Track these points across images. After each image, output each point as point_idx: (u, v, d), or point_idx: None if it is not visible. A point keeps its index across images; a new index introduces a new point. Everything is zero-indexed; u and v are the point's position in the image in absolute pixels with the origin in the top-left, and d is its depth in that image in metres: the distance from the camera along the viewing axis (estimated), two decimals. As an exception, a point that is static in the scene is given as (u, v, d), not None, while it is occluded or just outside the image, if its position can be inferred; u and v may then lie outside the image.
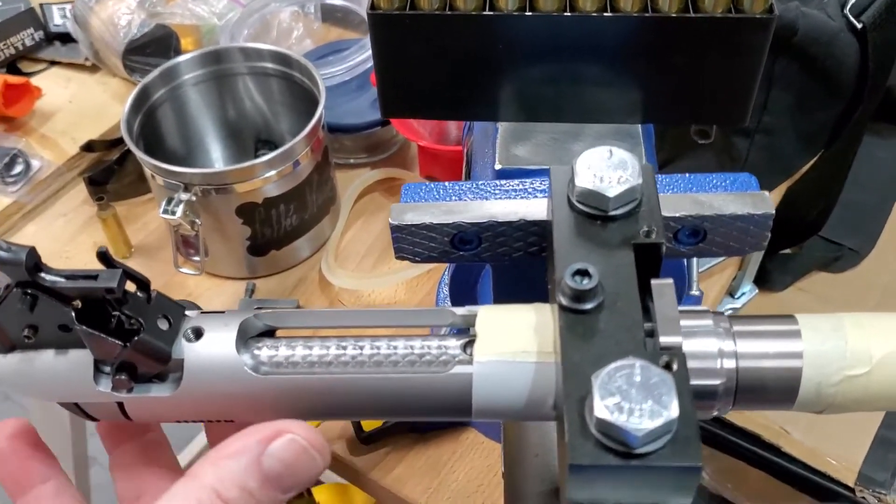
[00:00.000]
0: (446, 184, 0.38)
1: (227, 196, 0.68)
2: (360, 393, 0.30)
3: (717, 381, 0.29)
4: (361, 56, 0.87)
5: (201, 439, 1.22)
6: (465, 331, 0.31)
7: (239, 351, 0.29)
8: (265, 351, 0.30)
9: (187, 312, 0.31)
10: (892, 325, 0.29)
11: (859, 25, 0.66)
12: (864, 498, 0.79)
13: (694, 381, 0.28)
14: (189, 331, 0.30)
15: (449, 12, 0.42)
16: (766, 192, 0.34)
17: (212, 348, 0.29)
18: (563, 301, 0.27)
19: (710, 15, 0.41)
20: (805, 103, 0.73)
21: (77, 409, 0.31)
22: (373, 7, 0.43)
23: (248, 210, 0.70)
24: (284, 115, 0.82)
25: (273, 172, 0.69)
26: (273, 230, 0.73)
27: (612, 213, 0.30)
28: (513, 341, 0.29)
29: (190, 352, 0.29)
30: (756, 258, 0.81)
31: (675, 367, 0.26)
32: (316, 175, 0.74)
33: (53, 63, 0.98)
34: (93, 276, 0.27)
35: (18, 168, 0.84)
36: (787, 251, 0.94)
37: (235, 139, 0.84)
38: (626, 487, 0.24)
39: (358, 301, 0.75)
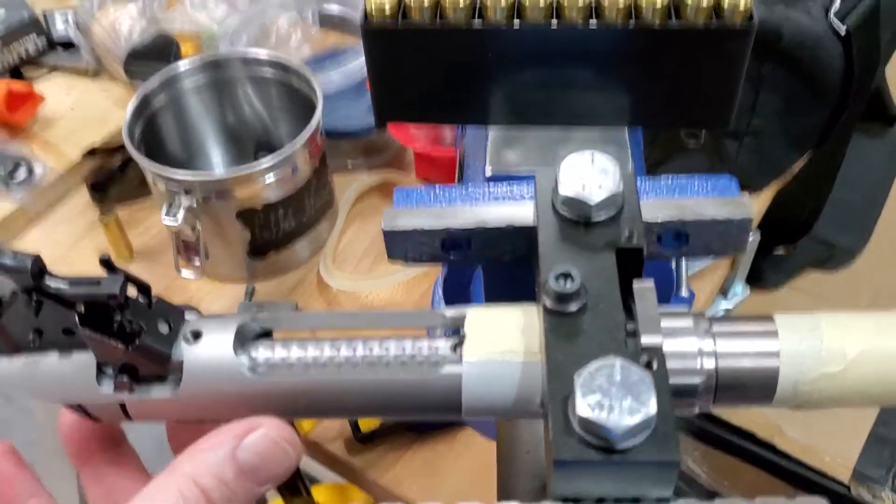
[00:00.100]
0: (437, 189, 0.39)
1: (228, 201, 0.70)
2: (353, 393, 0.31)
3: (697, 380, 0.30)
4: (358, 62, 0.88)
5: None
6: (457, 331, 0.32)
7: (236, 352, 0.30)
8: (262, 352, 0.31)
9: (186, 316, 0.32)
10: (867, 324, 0.30)
11: (843, 29, 0.67)
12: (858, 494, 0.80)
13: (675, 380, 0.30)
14: (188, 333, 0.31)
15: (440, 24, 0.43)
16: (746, 197, 0.35)
17: (210, 350, 0.30)
18: (548, 303, 0.28)
19: (692, 24, 0.42)
20: (793, 106, 0.74)
21: (81, 410, 0.32)
22: (366, 20, 0.44)
23: (247, 214, 0.71)
24: (283, 121, 0.83)
25: (272, 177, 0.70)
26: (272, 234, 0.74)
27: (595, 218, 0.31)
28: (501, 342, 0.30)
29: (189, 353, 0.30)
30: (747, 259, 0.82)
31: (654, 365, 0.27)
32: (314, 179, 0.75)
33: (56, 69, 1.00)
34: (96, 282, 0.28)
35: (22, 174, 0.85)
36: (781, 251, 0.95)
37: (235, 144, 0.85)
38: (608, 481, 0.25)
39: (355, 302, 0.76)
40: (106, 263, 0.29)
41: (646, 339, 0.28)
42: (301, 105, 0.77)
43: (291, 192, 0.72)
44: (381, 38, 0.45)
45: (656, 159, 0.81)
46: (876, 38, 0.70)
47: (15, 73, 0.99)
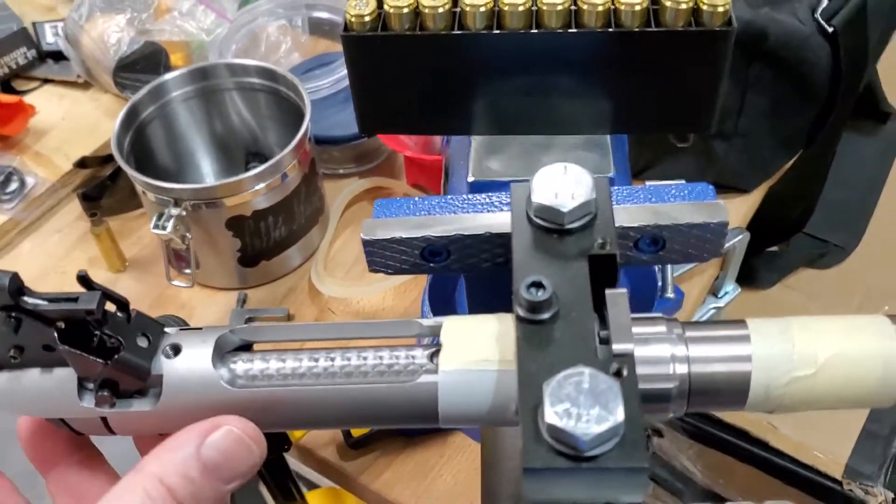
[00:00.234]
0: (417, 199, 0.39)
1: (217, 210, 0.70)
2: (331, 403, 0.31)
3: (670, 385, 0.30)
4: (347, 69, 0.88)
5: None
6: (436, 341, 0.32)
7: (215, 365, 0.31)
8: (240, 365, 0.31)
9: (167, 329, 0.32)
10: (838, 327, 0.30)
11: (830, 29, 0.68)
12: (851, 490, 0.80)
13: (648, 386, 0.30)
14: (168, 347, 0.31)
15: (419, 33, 0.43)
16: (721, 201, 0.36)
17: (189, 364, 0.31)
18: (520, 312, 0.29)
19: (672, 29, 0.42)
20: (781, 106, 0.74)
21: (63, 424, 0.32)
22: (346, 29, 0.44)
23: (237, 223, 0.71)
24: (272, 129, 0.83)
25: (261, 186, 0.71)
26: (262, 241, 0.75)
27: (568, 226, 0.31)
28: (476, 351, 0.30)
29: (168, 368, 0.31)
30: (737, 258, 0.82)
31: (625, 372, 0.27)
32: (304, 186, 0.75)
33: (46, 81, 1.00)
34: (73, 299, 0.29)
35: (13, 186, 0.86)
36: (774, 249, 0.95)
37: (225, 153, 0.85)
38: (579, 488, 0.25)
39: (347, 308, 0.77)
40: (83, 280, 0.29)
41: (617, 347, 0.28)
42: (290, 113, 0.77)
43: (281, 199, 0.73)
44: (361, 48, 0.45)
45: (646, 162, 0.81)
46: (864, 36, 0.70)
47: (5, 85, 0.99)
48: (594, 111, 0.46)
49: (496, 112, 0.47)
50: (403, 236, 0.37)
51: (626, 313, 0.29)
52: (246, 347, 0.33)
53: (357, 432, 0.65)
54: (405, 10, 0.43)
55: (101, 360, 0.29)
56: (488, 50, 0.44)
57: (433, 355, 0.31)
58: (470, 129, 0.48)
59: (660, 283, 0.60)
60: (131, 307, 0.31)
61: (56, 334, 0.29)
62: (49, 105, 0.96)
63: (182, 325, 0.34)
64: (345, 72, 0.89)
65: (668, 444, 0.97)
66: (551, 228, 0.31)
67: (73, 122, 0.95)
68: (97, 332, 0.30)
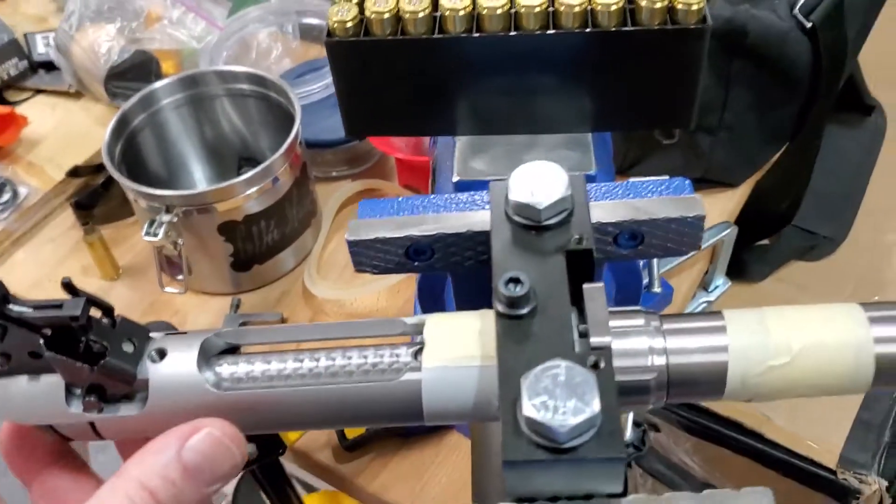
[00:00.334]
0: (400, 199, 0.40)
1: (209, 215, 0.70)
2: (317, 403, 0.32)
3: (648, 377, 0.30)
4: (337, 73, 0.89)
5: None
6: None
7: (200, 369, 0.31)
8: (226, 368, 0.32)
9: (153, 334, 0.32)
10: (812, 316, 0.31)
11: (809, 25, 0.68)
12: (845, 480, 0.81)
13: (626, 378, 0.31)
14: (153, 352, 0.31)
15: (401, 37, 0.44)
16: (698, 195, 0.36)
17: (174, 368, 0.31)
18: (500, 307, 0.29)
19: (647, 27, 0.43)
20: (764, 100, 0.75)
21: (52, 430, 0.33)
22: (329, 35, 0.45)
23: (229, 228, 0.72)
24: (263, 134, 0.84)
25: (253, 190, 0.71)
26: (255, 246, 0.75)
27: (545, 223, 0.32)
28: (458, 347, 0.31)
29: (154, 372, 0.31)
30: (726, 252, 0.83)
31: (602, 365, 0.28)
32: (295, 190, 0.76)
33: (38, 91, 1.01)
34: (58, 305, 0.29)
35: (6, 196, 0.86)
36: (764, 242, 0.96)
37: (218, 159, 0.86)
38: (559, 480, 0.26)
39: (341, 310, 0.77)
40: (67, 286, 0.30)
41: (595, 340, 0.28)
42: (280, 117, 0.78)
43: (272, 203, 0.73)
44: (345, 53, 0.46)
45: (633, 158, 0.82)
46: (842, 31, 0.71)
47: (-2, 96, 1.00)
48: (575, 110, 0.47)
49: (479, 113, 0.47)
50: (387, 236, 0.38)
51: (604, 307, 0.29)
52: (232, 350, 0.34)
53: (352, 434, 0.65)
54: (386, 16, 0.43)
55: (87, 366, 0.30)
56: (469, 53, 0.44)
57: (417, 353, 0.32)
58: (454, 130, 0.49)
59: (646, 279, 0.61)
60: (116, 313, 0.31)
61: (42, 341, 0.29)
62: (41, 115, 0.97)
63: (170, 330, 0.34)
64: (334, 76, 0.90)
65: (665, 438, 0.98)
66: (529, 225, 0.32)
67: (65, 131, 0.95)
68: (83, 338, 0.30)
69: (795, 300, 0.99)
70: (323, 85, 0.88)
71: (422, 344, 0.32)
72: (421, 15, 0.43)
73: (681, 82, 0.45)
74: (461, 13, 0.43)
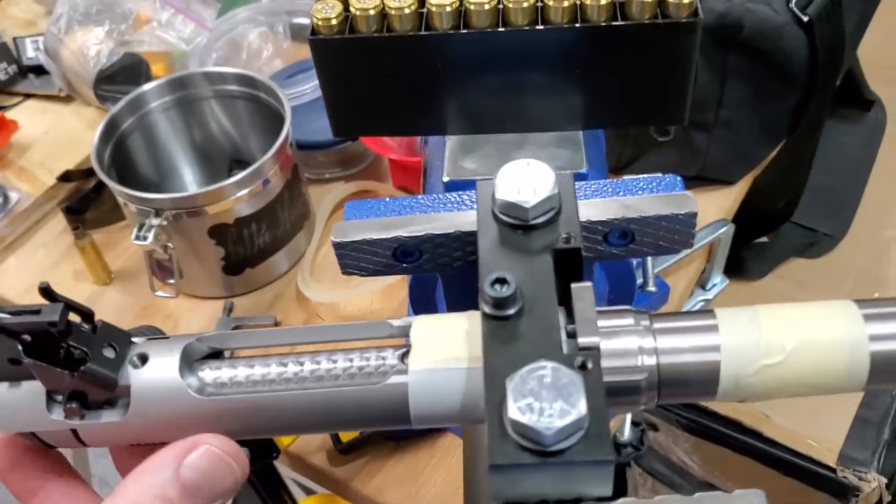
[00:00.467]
0: (388, 200, 0.39)
1: (199, 218, 0.70)
2: (302, 408, 0.31)
3: (638, 377, 0.30)
4: (329, 73, 0.88)
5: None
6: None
7: (182, 374, 0.30)
8: (208, 373, 0.31)
9: (134, 339, 0.32)
10: (804, 314, 0.30)
11: (805, 18, 0.68)
12: (845, 477, 0.80)
13: (616, 378, 0.30)
14: (135, 357, 0.31)
15: (386, 34, 0.43)
16: (690, 192, 0.35)
17: (156, 373, 0.30)
18: (486, 308, 0.29)
19: (638, 22, 0.42)
20: (760, 95, 0.74)
21: (34, 438, 0.32)
22: (314, 33, 0.44)
23: (220, 231, 0.71)
24: (253, 136, 0.83)
25: (243, 192, 0.70)
26: (246, 249, 0.74)
27: (533, 222, 0.31)
28: (445, 349, 0.30)
29: (136, 378, 0.30)
30: (723, 250, 0.82)
31: (590, 366, 0.27)
32: (286, 192, 0.75)
33: (29, 96, 1.00)
34: (36, 311, 0.29)
35: (-3, 202, 0.86)
36: (763, 239, 0.95)
37: (208, 162, 0.85)
38: (547, 483, 0.25)
39: (335, 313, 0.76)
40: (45, 291, 0.29)
41: (582, 340, 0.28)
42: (271, 119, 0.77)
43: (263, 206, 0.73)
44: (329, 51, 0.45)
45: (628, 157, 0.81)
46: (839, 25, 0.70)
47: (-13, 102, 0.99)
48: (565, 107, 0.46)
49: (468, 111, 0.47)
50: (374, 237, 0.37)
51: (592, 307, 0.29)
52: (217, 355, 0.33)
53: (346, 437, 0.64)
54: (371, 13, 0.43)
55: (67, 372, 0.29)
56: (456, 50, 0.44)
57: (403, 356, 0.31)
58: (443, 129, 0.48)
59: (641, 279, 0.60)
60: (98, 318, 0.31)
61: (21, 347, 0.29)
62: (32, 120, 0.96)
63: (157, 334, 0.34)
64: (327, 76, 0.89)
65: (664, 437, 0.97)
66: (516, 224, 0.31)
67: (56, 136, 0.95)
68: (63, 344, 0.29)
69: (794, 297, 0.98)
70: (314, 85, 0.87)
71: (408, 346, 0.31)
72: (407, 11, 0.43)
73: (673, 77, 0.45)
74: (448, 9, 0.42)
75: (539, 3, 0.42)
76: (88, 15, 0.87)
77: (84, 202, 0.83)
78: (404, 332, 0.32)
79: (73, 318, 0.30)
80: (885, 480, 0.78)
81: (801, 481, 0.83)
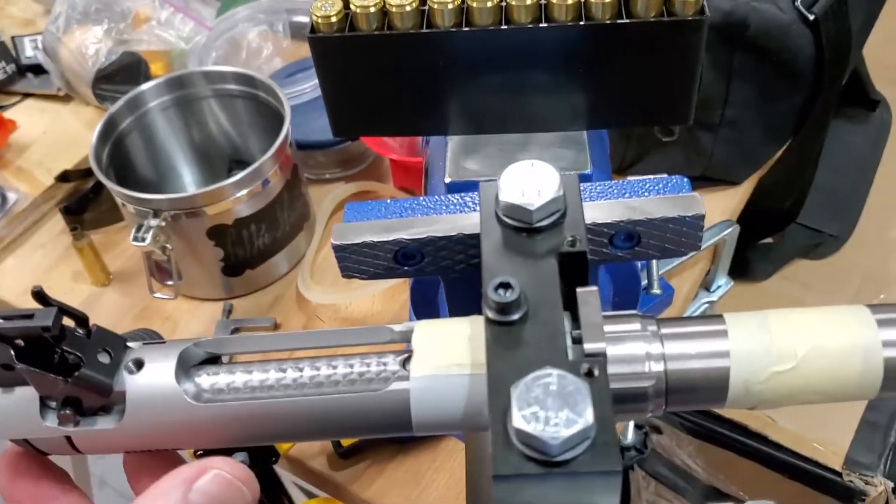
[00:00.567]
0: (389, 201, 0.38)
1: (198, 219, 0.69)
2: (301, 415, 0.30)
3: (646, 384, 0.29)
4: (329, 72, 0.87)
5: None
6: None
7: (179, 380, 0.30)
8: (205, 379, 0.30)
9: (130, 344, 0.31)
10: (817, 318, 0.29)
11: (811, 17, 0.67)
12: (851, 481, 0.80)
13: (623, 385, 0.29)
14: (130, 363, 0.30)
15: (387, 32, 0.42)
16: (697, 194, 0.35)
17: (152, 379, 0.30)
18: (489, 313, 0.28)
19: (643, 20, 0.41)
20: (766, 95, 0.74)
21: (27, 445, 0.31)
22: (313, 31, 0.43)
23: (219, 232, 0.71)
24: (253, 135, 0.83)
25: (242, 193, 0.70)
26: (246, 250, 0.74)
27: (537, 224, 0.30)
28: (447, 355, 0.30)
29: (131, 384, 0.30)
30: (728, 251, 0.81)
31: (596, 373, 0.26)
32: (286, 193, 0.74)
33: (27, 95, 1.00)
34: (28, 316, 0.28)
35: (-5, 202, 0.85)
36: (768, 240, 0.95)
37: (207, 162, 0.84)
38: (552, 493, 0.25)
39: (335, 315, 0.76)
40: (38, 295, 0.28)
41: (588, 346, 0.27)
42: (270, 118, 0.77)
43: (263, 206, 0.72)
44: (329, 49, 0.44)
45: (632, 157, 0.80)
46: (845, 24, 0.70)
47: (-14, 102, 0.99)
48: (569, 107, 0.45)
49: (470, 111, 0.46)
50: (375, 240, 0.36)
51: (598, 312, 0.28)
52: (214, 360, 0.32)
53: (346, 441, 0.64)
54: (372, 10, 0.42)
55: (61, 378, 0.28)
56: (458, 48, 0.43)
57: (405, 362, 0.30)
58: (444, 129, 0.48)
59: (645, 281, 0.59)
60: (92, 322, 0.30)
61: (13, 352, 0.28)
62: (30, 119, 0.96)
63: (155, 338, 0.33)
64: (327, 76, 0.88)
65: (668, 440, 0.96)
66: (520, 227, 0.31)
67: (54, 135, 0.94)
68: (56, 349, 0.29)
69: (800, 299, 0.97)
70: (314, 84, 0.87)
71: (410, 352, 0.30)
72: (408, 9, 0.42)
73: (678, 76, 0.44)
74: (450, 7, 0.42)
75: (542, 1, 0.42)
76: (87, 14, 0.87)
77: (82, 203, 0.83)
78: (406, 337, 0.31)
79: (68, 322, 0.29)
80: (891, 484, 0.78)
81: (806, 485, 0.82)
